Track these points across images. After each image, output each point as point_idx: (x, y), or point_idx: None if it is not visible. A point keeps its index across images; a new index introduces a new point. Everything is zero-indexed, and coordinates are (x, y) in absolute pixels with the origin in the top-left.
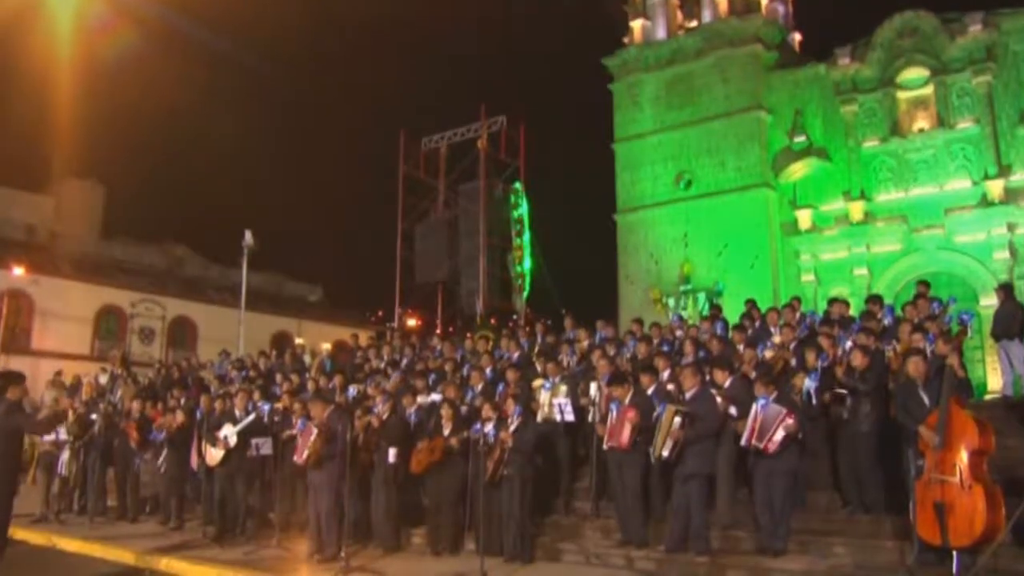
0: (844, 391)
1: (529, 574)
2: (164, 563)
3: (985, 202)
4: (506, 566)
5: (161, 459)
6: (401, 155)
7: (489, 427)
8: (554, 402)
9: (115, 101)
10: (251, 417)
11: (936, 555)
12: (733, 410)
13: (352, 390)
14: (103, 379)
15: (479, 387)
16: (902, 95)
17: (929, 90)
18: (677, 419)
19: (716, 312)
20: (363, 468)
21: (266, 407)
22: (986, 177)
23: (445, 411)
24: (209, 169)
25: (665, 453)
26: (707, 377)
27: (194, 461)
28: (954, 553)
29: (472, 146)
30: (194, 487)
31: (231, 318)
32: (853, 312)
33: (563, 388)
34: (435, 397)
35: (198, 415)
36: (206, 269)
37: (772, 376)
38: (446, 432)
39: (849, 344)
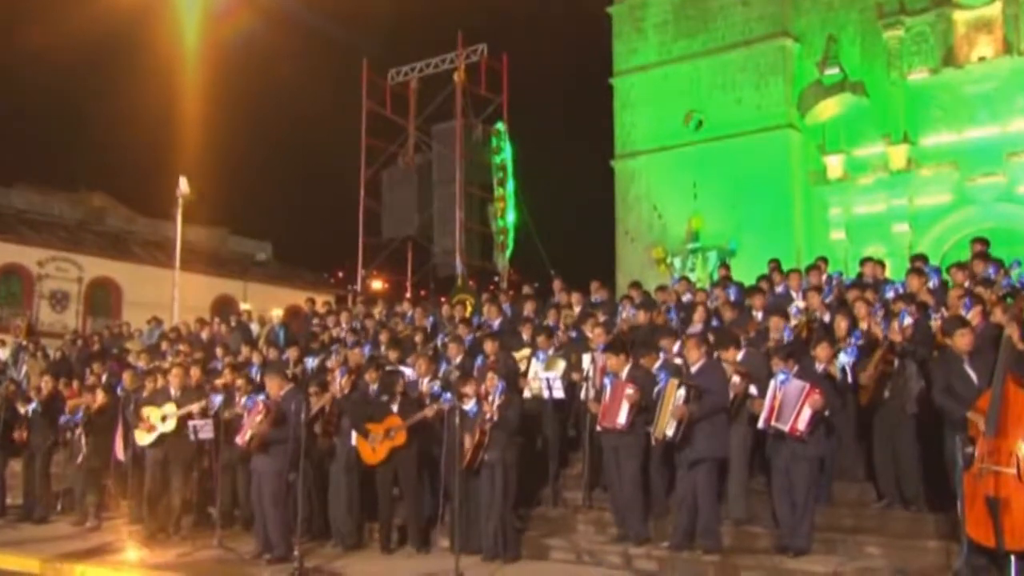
0: (890, 367)
1: (511, 574)
2: (79, 571)
3: None
4: (485, 565)
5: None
6: (363, 90)
7: (469, 405)
8: (542, 376)
9: (20, 32)
10: (201, 404)
11: (988, 559)
12: (753, 389)
13: (310, 362)
14: (3, 353)
15: (457, 359)
16: (960, 16)
17: (995, 9)
18: (681, 392)
19: (726, 274)
20: (320, 454)
21: (218, 398)
22: None
23: (395, 383)
24: (133, 104)
25: (669, 433)
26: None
27: (118, 449)
28: (1011, 557)
29: (447, 80)
30: (118, 480)
31: (163, 280)
32: (891, 276)
33: (561, 364)
34: (406, 371)
35: (120, 393)
36: (131, 222)
37: (790, 349)
38: (394, 408)
39: (908, 320)
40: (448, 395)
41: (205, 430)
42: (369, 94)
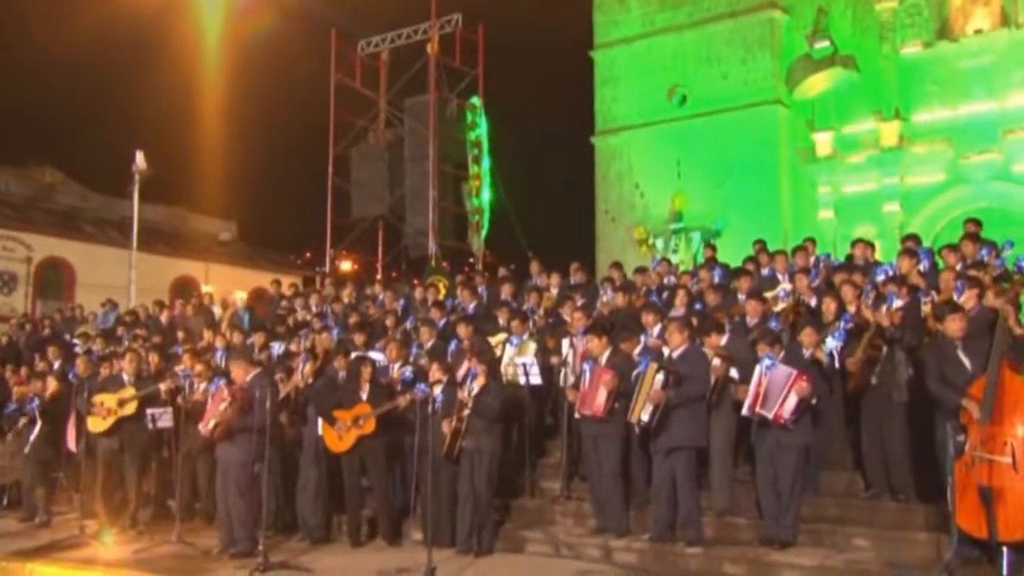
0: (877, 352)
1: (486, 568)
2: (28, 570)
3: None
4: (458, 559)
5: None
6: (332, 61)
7: (437, 390)
8: (518, 361)
9: None
10: (167, 384)
11: (981, 551)
12: (735, 373)
13: (277, 348)
14: None
15: (429, 344)
16: None
17: None
18: (659, 377)
19: (711, 256)
20: (288, 444)
21: (187, 375)
22: None
23: (364, 370)
24: (88, 74)
25: (644, 417)
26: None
27: (70, 440)
28: (1003, 549)
29: (420, 51)
30: (69, 472)
31: (119, 260)
32: (882, 257)
33: (531, 346)
34: (376, 356)
35: (73, 380)
36: (85, 199)
37: (776, 334)
38: (363, 396)
39: (898, 303)
40: (423, 386)
41: (164, 419)
42: (338, 66)
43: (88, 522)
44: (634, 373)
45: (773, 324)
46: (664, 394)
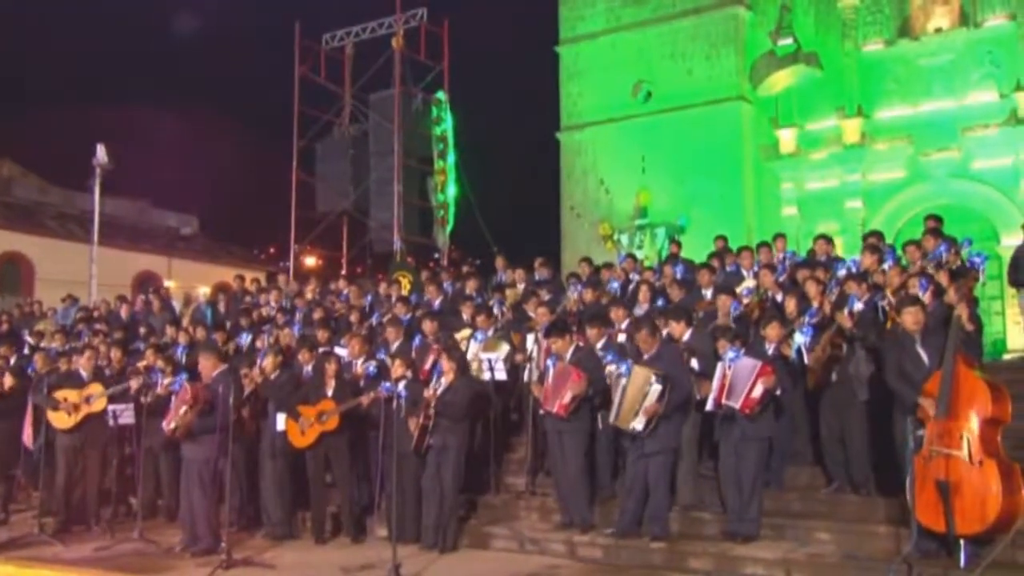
0: (838, 351)
1: (451, 564)
2: None
3: (1014, 119)
4: (423, 555)
5: None
6: (296, 54)
7: (400, 386)
8: (483, 357)
9: None
10: (138, 381)
11: (939, 543)
12: (695, 363)
13: (244, 338)
14: None
15: (396, 343)
16: None
17: None
18: (656, 388)
19: (675, 251)
20: (249, 438)
21: (158, 376)
22: (1017, 88)
23: (329, 367)
24: (46, 64)
25: (639, 427)
26: (664, 331)
27: (27, 436)
28: (961, 541)
29: (385, 45)
30: (28, 469)
31: (80, 255)
32: (844, 253)
33: (504, 346)
34: (340, 351)
35: (32, 376)
36: (44, 193)
37: (735, 331)
38: (328, 392)
39: (859, 306)
40: (388, 384)
41: (125, 415)
42: (302, 59)
43: (46, 520)
44: (613, 374)
45: (733, 308)
46: (661, 406)
